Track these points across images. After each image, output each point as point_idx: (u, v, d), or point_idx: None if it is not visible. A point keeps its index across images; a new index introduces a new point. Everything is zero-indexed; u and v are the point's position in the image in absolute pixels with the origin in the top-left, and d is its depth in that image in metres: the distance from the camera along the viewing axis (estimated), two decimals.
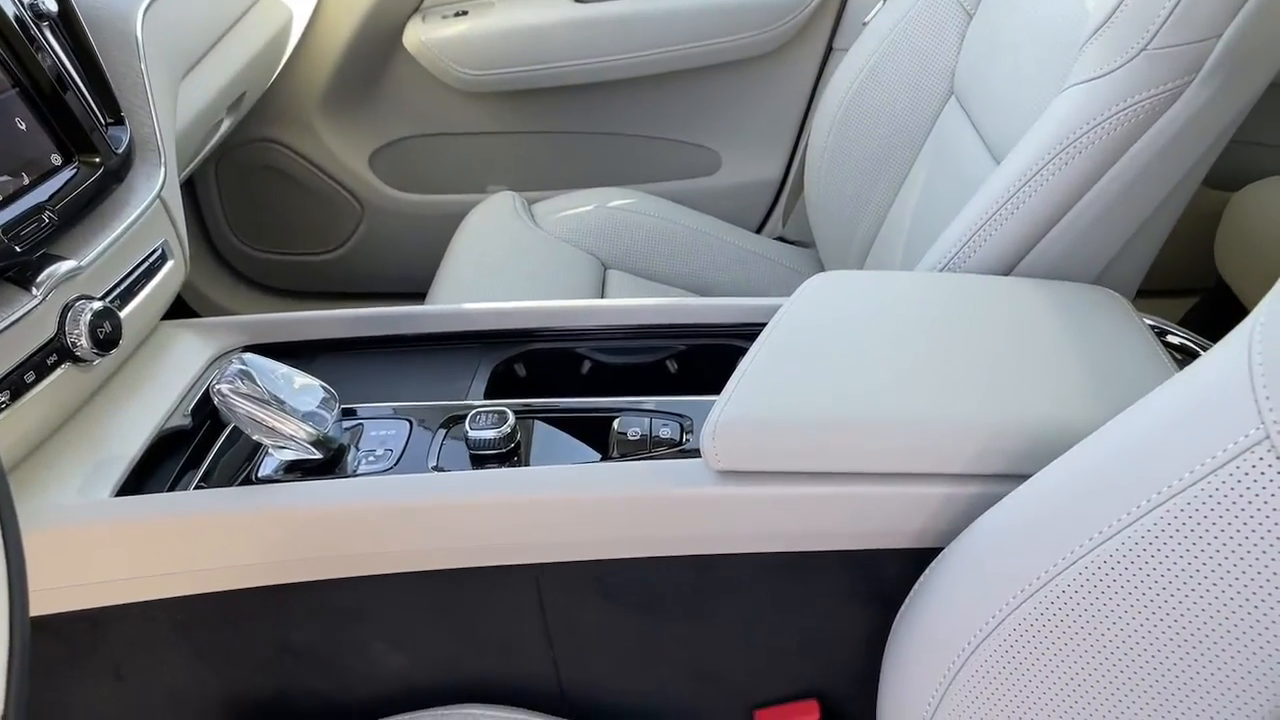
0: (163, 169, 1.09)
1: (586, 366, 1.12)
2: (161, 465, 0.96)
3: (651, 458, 0.91)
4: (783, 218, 2.01)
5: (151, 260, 1.09)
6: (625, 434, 0.94)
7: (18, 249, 0.87)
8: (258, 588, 0.92)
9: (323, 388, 0.95)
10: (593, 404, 1.00)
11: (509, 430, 0.93)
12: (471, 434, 0.92)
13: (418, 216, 2.12)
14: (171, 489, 0.93)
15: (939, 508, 0.84)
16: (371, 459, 0.95)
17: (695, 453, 0.90)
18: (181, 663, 0.96)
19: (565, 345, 1.13)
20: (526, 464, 0.93)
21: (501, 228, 1.78)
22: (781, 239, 1.99)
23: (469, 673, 0.98)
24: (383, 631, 0.95)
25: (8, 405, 0.87)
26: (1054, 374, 0.86)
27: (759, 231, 2.01)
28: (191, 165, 1.61)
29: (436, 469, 0.92)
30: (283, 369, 0.94)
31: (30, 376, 0.90)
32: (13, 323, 0.87)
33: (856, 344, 0.90)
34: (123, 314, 1.00)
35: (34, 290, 0.89)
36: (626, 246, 1.79)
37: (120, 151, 1.02)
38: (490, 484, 0.87)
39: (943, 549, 0.83)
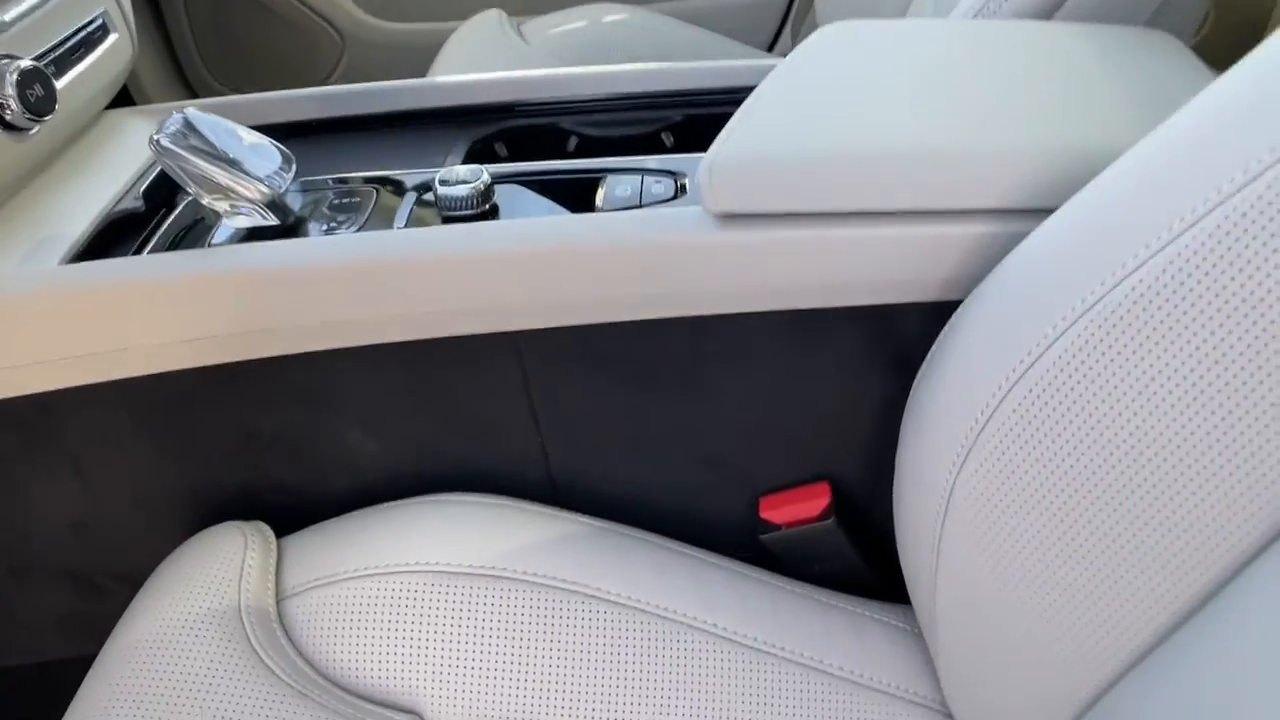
0: None
1: (573, 142, 1.02)
2: (112, 248, 0.87)
3: (640, 208, 0.82)
4: (792, 33, 1.87)
5: (90, 30, 0.98)
6: (615, 189, 0.85)
7: None
8: (216, 366, 0.84)
9: (278, 149, 0.85)
10: (578, 165, 0.90)
11: (483, 188, 0.83)
12: (442, 191, 0.83)
13: (403, 47, 1.99)
14: None
15: (966, 250, 0.74)
16: (333, 225, 0.86)
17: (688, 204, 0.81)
18: (142, 454, 0.89)
19: (549, 120, 1.02)
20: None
21: (487, 46, 1.66)
22: None
23: (451, 459, 0.91)
24: (353, 413, 0.88)
25: None
26: (1102, 104, 0.76)
27: (769, 50, 1.88)
28: None
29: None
30: (230, 124, 0.84)
31: None
32: None
33: (875, 81, 0.79)
34: (59, 84, 0.90)
35: None
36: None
37: None
38: (461, 239, 0.79)
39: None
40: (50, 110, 0.88)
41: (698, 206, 0.77)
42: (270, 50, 1.99)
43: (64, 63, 0.94)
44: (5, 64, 0.85)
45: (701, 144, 1.01)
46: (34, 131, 0.88)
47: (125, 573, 0.97)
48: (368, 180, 0.91)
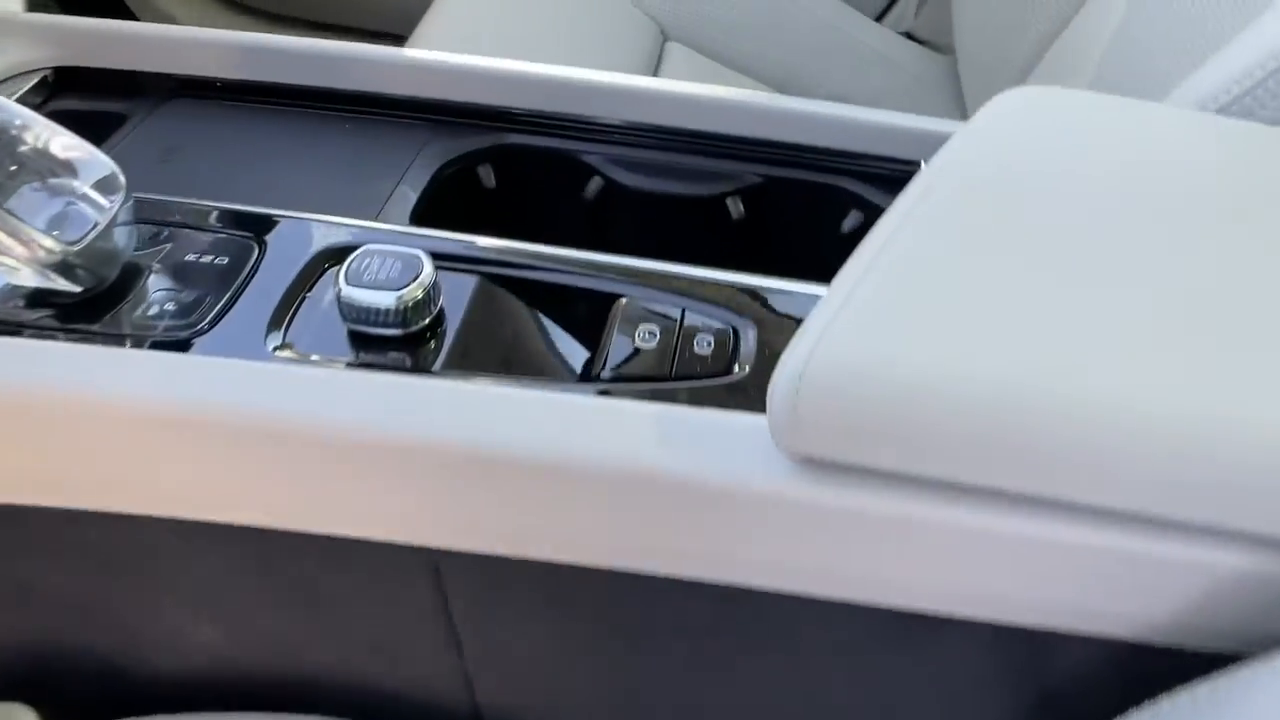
0: None
1: (595, 186, 0.68)
2: None
3: (667, 391, 0.49)
4: (915, 3, 1.48)
5: None
6: (633, 332, 0.52)
7: None
8: None
9: (104, 165, 0.52)
10: (587, 262, 0.56)
11: (419, 296, 0.50)
12: (346, 292, 0.50)
13: None
14: None
15: (1238, 590, 0.42)
16: (173, 305, 0.53)
17: (749, 397, 0.48)
18: None
19: (565, 145, 0.68)
20: (436, 365, 0.51)
21: None
22: (909, 35, 1.47)
23: (323, 666, 0.60)
24: (182, 593, 0.57)
25: None
26: None
27: (880, 20, 1.49)
28: None
29: (280, 349, 0.51)
30: (28, 119, 0.51)
31: None
32: None
33: (1084, 237, 0.45)
34: None
35: None
36: (699, 10, 1.29)
37: None
38: (360, 405, 0.46)
39: (1233, 656, 0.42)
40: None
41: (762, 428, 0.43)
42: None
43: None
44: None
45: (783, 230, 0.68)
46: None
47: None
48: (254, 222, 0.58)
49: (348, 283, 0.50)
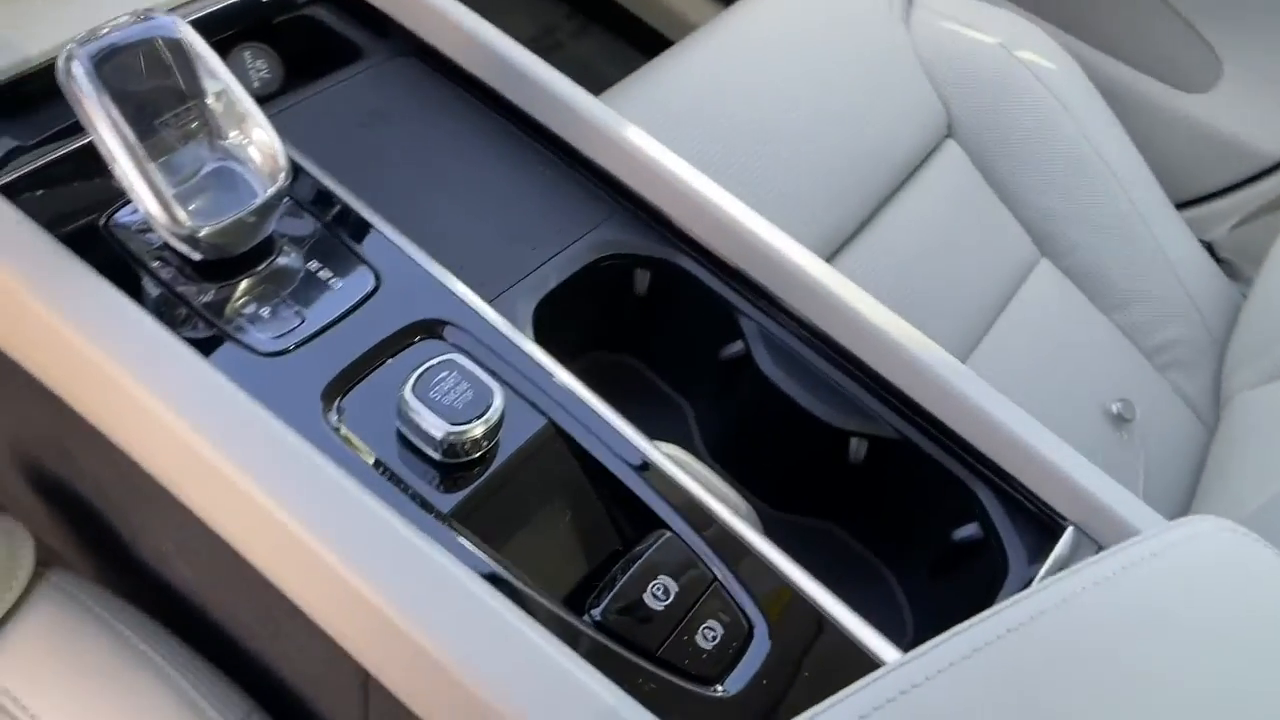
0: None
1: (733, 351, 0.63)
2: None
3: (632, 672, 0.45)
4: (1239, 215, 1.31)
5: None
6: (652, 581, 0.48)
7: None
8: None
9: (275, 145, 0.52)
10: (660, 471, 0.52)
11: (474, 436, 0.48)
12: (408, 398, 0.48)
13: None
14: None
15: None
16: (268, 311, 0.52)
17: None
18: None
19: (729, 295, 0.63)
20: (451, 505, 0.49)
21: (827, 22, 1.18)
22: (1209, 245, 1.31)
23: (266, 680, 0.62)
24: (169, 536, 0.59)
25: None
26: None
27: (1183, 208, 1.32)
28: None
29: (334, 416, 0.50)
30: (222, 78, 0.51)
31: None
32: None
33: None
34: None
35: None
36: (993, 120, 1.17)
37: None
38: (334, 527, 0.45)
39: None
40: None
41: None
42: None
43: None
44: None
45: (889, 505, 0.62)
46: None
47: None
48: (385, 252, 0.56)
49: (413, 391, 0.48)
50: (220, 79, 0.51)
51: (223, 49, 0.68)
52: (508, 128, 0.68)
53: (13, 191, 0.54)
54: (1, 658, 0.60)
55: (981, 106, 1.18)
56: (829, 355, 0.61)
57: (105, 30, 0.48)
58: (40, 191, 0.55)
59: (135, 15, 0.49)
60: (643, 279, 0.65)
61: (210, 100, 0.51)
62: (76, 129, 0.61)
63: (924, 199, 1.09)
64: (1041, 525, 0.57)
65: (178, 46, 0.50)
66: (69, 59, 0.47)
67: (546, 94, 0.66)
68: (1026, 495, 0.57)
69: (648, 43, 1.74)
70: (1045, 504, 0.57)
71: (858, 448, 0.61)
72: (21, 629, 0.62)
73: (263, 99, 0.69)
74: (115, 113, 0.48)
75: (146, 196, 0.49)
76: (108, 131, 0.48)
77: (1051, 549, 0.55)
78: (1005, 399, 0.59)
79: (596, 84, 1.67)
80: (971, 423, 0.58)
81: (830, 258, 1.01)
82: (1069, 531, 0.56)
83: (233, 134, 0.52)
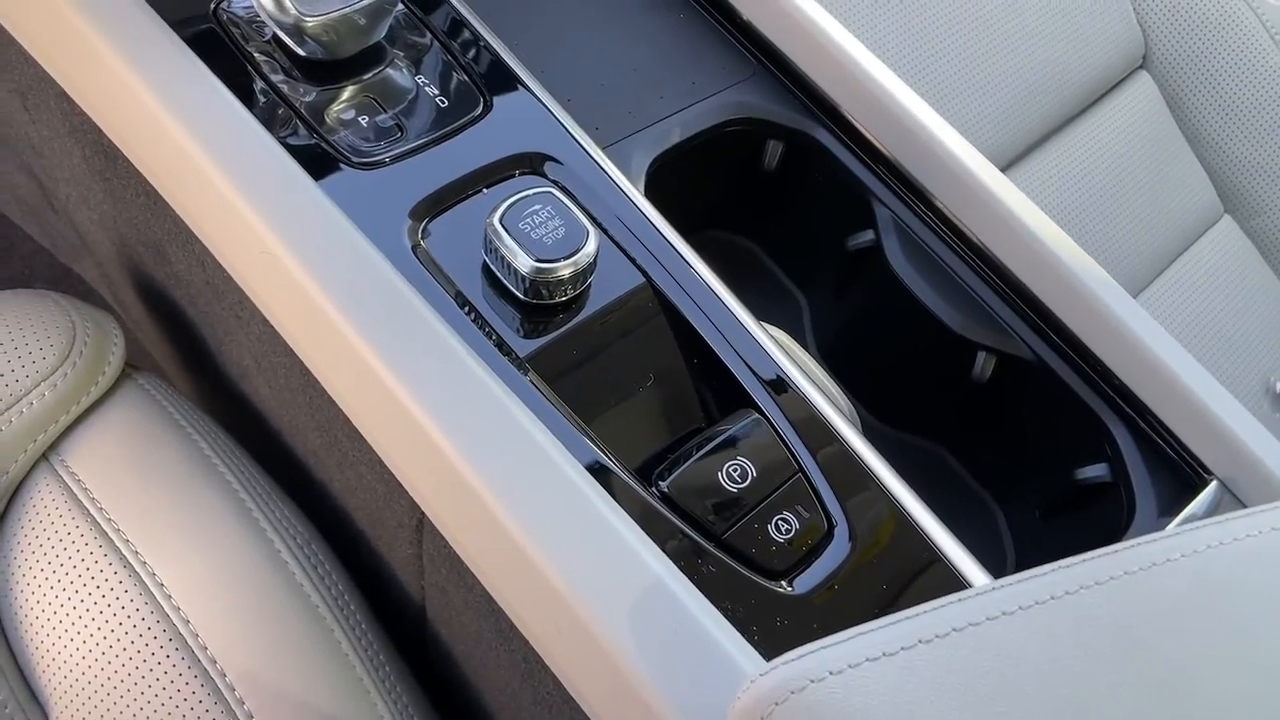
0: None
1: (861, 241, 0.57)
2: None
3: (696, 554, 0.41)
4: None
5: None
6: (730, 460, 0.44)
7: None
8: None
9: None
10: (759, 346, 0.48)
11: (560, 277, 0.44)
12: (495, 228, 0.44)
13: None
14: None
15: None
16: (366, 121, 0.49)
17: (772, 625, 0.40)
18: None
19: (867, 179, 0.57)
20: (530, 350, 0.45)
21: None
22: None
23: (330, 514, 0.60)
24: (249, 350, 0.58)
25: None
26: None
27: None
28: None
29: (416, 244, 0.46)
30: None
31: None
32: None
33: None
34: None
35: None
36: (1194, 55, 1.05)
37: None
38: (408, 359, 0.42)
39: None
40: None
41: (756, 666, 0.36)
42: None
43: None
44: None
45: (1008, 431, 0.55)
46: None
47: None
48: (497, 78, 0.52)
49: (502, 221, 0.44)
50: None
51: None
52: None
53: None
54: (79, 449, 0.61)
55: (1184, 39, 1.05)
56: (967, 256, 0.55)
57: None
58: None
59: None
60: (774, 151, 0.59)
61: None
62: None
63: (1105, 129, 0.99)
64: (1181, 476, 0.50)
65: None
66: None
67: None
68: (1170, 440, 0.50)
69: None
70: (1191, 453, 0.50)
71: (984, 364, 0.54)
72: (102, 423, 0.62)
73: None
74: None
75: None
76: None
77: (1189, 502, 0.49)
78: (1166, 334, 0.52)
79: None
80: (1121, 351, 0.51)
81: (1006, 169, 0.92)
82: (1212, 485, 0.49)
83: None
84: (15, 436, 0.59)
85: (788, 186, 0.60)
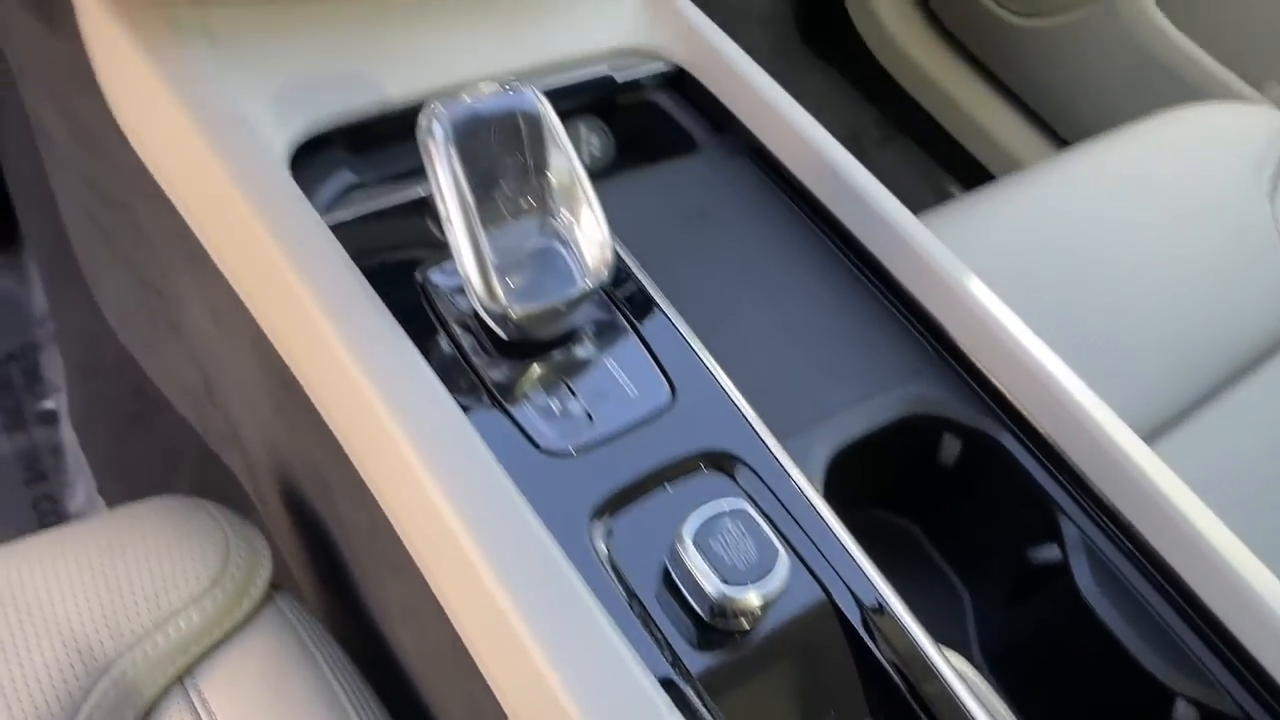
0: None
1: (1048, 555, 0.55)
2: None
3: None
4: None
5: None
6: None
7: None
8: None
9: (604, 236, 0.49)
10: (925, 667, 0.45)
11: (749, 605, 0.42)
12: (683, 544, 0.43)
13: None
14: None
15: None
16: (557, 405, 0.49)
17: None
18: None
19: (1056, 493, 0.55)
20: (699, 668, 0.43)
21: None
22: None
23: None
24: (400, 600, 0.57)
25: None
26: None
27: None
28: None
29: (603, 542, 0.46)
30: (564, 149, 0.49)
31: None
32: None
33: None
34: None
35: None
36: None
37: None
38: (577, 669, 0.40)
39: None
40: None
41: None
42: None
43: None
44: None
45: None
46: None
47: None
48: (684, 365, 0.52)
49: (692, 539, 0.43)
50: (566, 160, 0.49)
51: (561, 119, 0.68)
52: (830, 247, 0.63)
53: (343, 231, 0.54)
54: (215, 675, 0.60)
55: None
56: (1163, 587, 0.51)
57: (469, 95, 0.47)
58: (368, 233, 0.55)
59: (500, 85, 0.48)
60: (951, 447, 0.58)
61: (552, 179, 0.49)
62: (409, 175, 0.62)
63: (1266, 400, 0.95)
64: None
65: (533, 120, 0.49)
66: (431, 116, 0.47)
67: (876, 217, 0.61)
68: None
69: (957, 163, 1.66)
70: None
71: (1185, 714, 0.50)
72: (240, 649, 0.61)
73: (591, 175, 0.68)
74: (462, 178, 0.46)
75: (472, 267, 0.47)
76: (451, 195, 0.46)
77: None
78: None
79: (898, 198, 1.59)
80: None
81: (1149, 440, 0.89)
82: None
83: (564, 214, 0.50)
84: (160, 659, 0.59)
85: (965, 483, 0.58)
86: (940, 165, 1.70)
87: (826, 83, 1.76)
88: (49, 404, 1.11)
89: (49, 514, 1.05)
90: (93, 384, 1.02)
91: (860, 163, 0.64)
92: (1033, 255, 0.90)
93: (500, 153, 0.48)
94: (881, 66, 1.72)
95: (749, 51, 0.69)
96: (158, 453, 0.94)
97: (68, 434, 1.08)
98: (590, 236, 0.49)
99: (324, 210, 0.59)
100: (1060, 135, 1.55)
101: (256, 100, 0.58)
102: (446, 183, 0.46)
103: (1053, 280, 0.89)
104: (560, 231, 0.50)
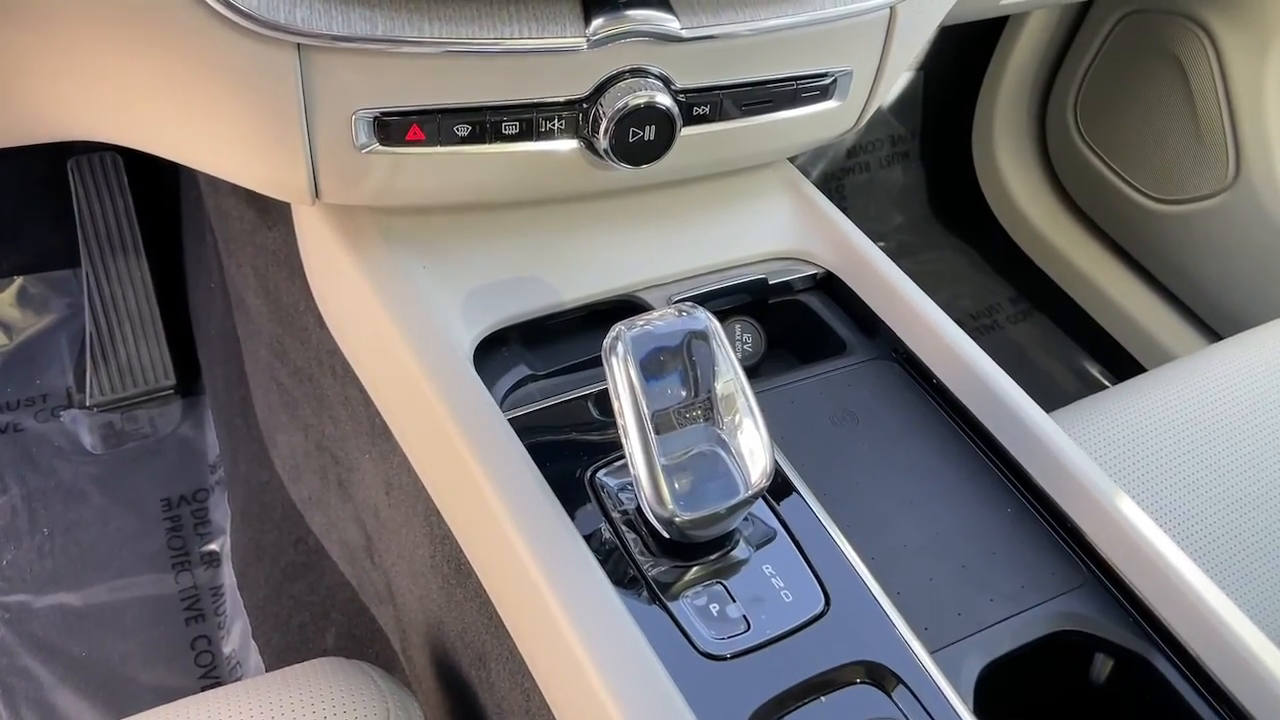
0: None
1: None
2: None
3: None
4: None
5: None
6: None
7: None
8: None
9: (765, 446, 0.52)
10: None
11: None
12: None
13: None
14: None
15: None
16: (717, 609, 0.51)
17: None
18: None
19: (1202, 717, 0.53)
20: None
21: None
22: None
23: None
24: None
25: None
26: None
27: None
28: None
29: None
30: (733, 362, 0.52)
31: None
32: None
33: None
34: (684, 132, 0.63)
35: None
36: None
37: None
38: None
39: None
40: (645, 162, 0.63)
41: None
42: (1166, 134, 1.50)
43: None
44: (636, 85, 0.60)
45: None
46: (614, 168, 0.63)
47: None
48: (840, 576, 0.54)
49: None
50: (732, 373, 0.53)
51: (717, 317, 0.72)
52: (977, 453, 0.64)
53: (520, 423, 0.59)
54: None
55: None
56: None
57: (649, 320, 0.52)
58: (543, 427, 0.60)
59: (676, 309, 0.53)
60: (1102, 665, 0.57)
61: (718, 390, 0.53)
62: (578, 368, 0.67)
63: None
64: None
65: (703, 338, 0.53)
66: (616, 339, 0.51)
67: (1021, 425, 0.62)
68: None
69: (1095, 341, 1.65)
70: None
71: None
72: None
73: (746, 371, 0.72)
74: (640, 394, 0.50)
75: (644, 474, 0.50)
76: (630, 409, 0.50)
77: None
78: None
79: (1029, 374, 1.60)
80: None
81: None
82: None
83: (728, 423, 0.53)
84: None
85: (1116, 703, 0.57)
86: (1078, 343, 1.69)
87: (959, 256, 1.79)
88: (213, 546, 1.19)
89: (205, 653, 1.11)
90: (257, 531, 1.09)
91: (997, 338, 0.66)
92: (1184, 455, 0.88)
93: (673, 368, 0.52)
94: (1015, 242, 1.74)
95: (881, 222, 0.73)
96: (313, 602, 1.00)
97: (228, 576, 1.15)
98: (752, 446, 0.52)
99: (501, 399, 0.65)
100: (1206, 322, 1.53)
101: (449, 301, 0.64)
102: (626, 399, 0.51)
103: (1206, 483, 0.87)
104: (724, 439, 0.53)
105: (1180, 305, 1.57)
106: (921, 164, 1.81)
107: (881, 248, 0.73)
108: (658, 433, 0.51)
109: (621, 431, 0.51)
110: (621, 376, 0.51)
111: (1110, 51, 1.56)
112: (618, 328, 0.52)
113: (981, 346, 0.67)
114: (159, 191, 1.28)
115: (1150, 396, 0.95)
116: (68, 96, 0.62)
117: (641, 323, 0.52)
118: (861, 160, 1.76)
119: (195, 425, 1.31)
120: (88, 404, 1.28)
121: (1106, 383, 1.67)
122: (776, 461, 0.59)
